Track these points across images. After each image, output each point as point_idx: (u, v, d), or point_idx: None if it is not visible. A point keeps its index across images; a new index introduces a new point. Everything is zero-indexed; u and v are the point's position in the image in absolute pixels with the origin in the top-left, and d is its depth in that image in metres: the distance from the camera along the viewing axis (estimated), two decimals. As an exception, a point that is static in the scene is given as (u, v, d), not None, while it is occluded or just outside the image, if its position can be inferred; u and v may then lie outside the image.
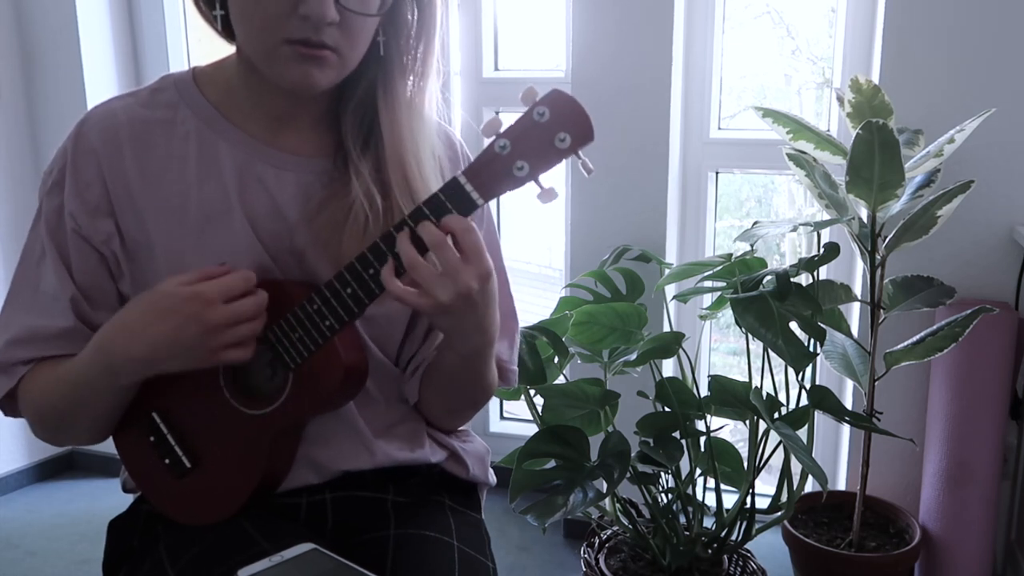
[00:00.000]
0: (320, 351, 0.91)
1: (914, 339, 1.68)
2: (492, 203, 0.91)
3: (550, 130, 0.81)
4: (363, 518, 1.03)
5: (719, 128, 2.21)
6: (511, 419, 2.66)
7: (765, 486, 2.18)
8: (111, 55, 2.55)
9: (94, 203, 0.95)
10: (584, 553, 1.85)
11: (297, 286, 0.95)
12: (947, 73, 1.86)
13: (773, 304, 1.53)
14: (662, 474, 1.72)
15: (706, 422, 1.73)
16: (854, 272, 2.11)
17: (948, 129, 1.67)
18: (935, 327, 1.67)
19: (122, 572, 1.01)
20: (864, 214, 1.71)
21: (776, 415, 1.64)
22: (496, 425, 2.65)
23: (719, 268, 1.72)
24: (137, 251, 0.97)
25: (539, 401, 1.72)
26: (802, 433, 1.65)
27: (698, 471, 1.76)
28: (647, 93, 2.05)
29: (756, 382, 1.70)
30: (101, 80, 2.52)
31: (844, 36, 2.04)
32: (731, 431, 2.41)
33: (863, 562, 1.82)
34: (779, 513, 1.74)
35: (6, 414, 1.02)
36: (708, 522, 1.84)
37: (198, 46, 2.61)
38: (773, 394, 1.68)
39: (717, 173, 2.24)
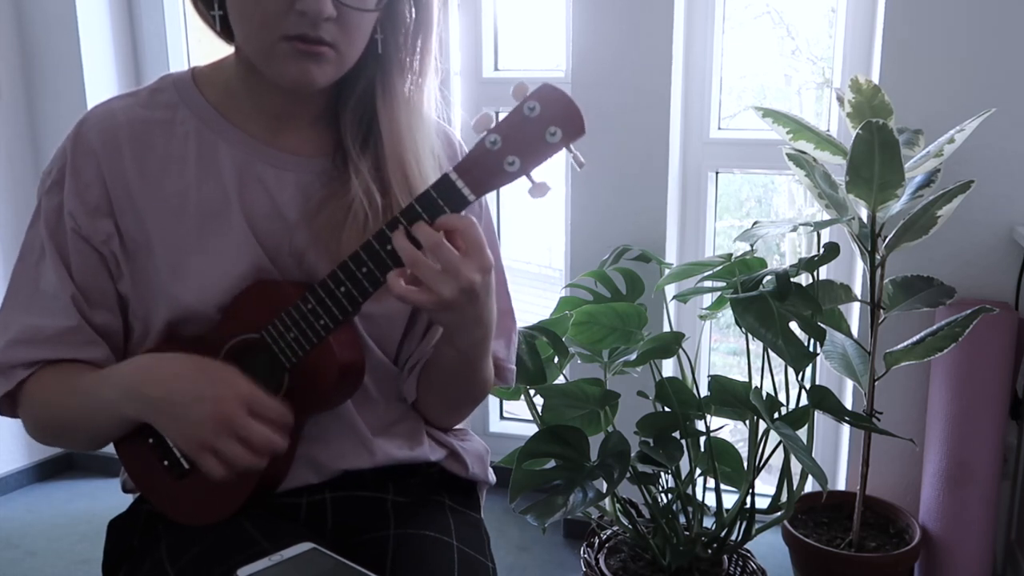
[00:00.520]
0: (315, 350, 0.91)
1: (914, 339, 1.68)
2: (492, 203, 0.91)
3: (541, 124, 0.81)
4: (363, 518, 1.03)
5: (719, 128, 2.21)
6: (511, 419, 2.66)
7: (765, 486, 2.18)
8: (111, 55, 2.55)
9: (94, 203, 0.95)
10: (584, 553, 1.85)
11: (294, 286, 0.95)
12: (947, 73, 1.86)
13: (773, 304, 1.53)
14: (662, 474, 1.72)
15: (706, 422, 1.73)
16: (854, 272, 2.11)
17: (948, 129, 1.67)
18: (935, 327, 1.67)
19: (122, 572, 1.01)
20: (864, 214, 1.71)
21: (776, 415, 1.64)
22: (496, 425, 2.65)
23: (719, 268, 1.72)
24: (136, 251, 0.97)
25: (539, 401, 1.72)
26: (802, 433, 1.65)
27: (698, 471, 1.76)
28: (647, 93, 2.05)
29: (756, 382, 1.70)
30: (101, 80, 2.53)
31: (844, 36, 2.04)
32: (731, 431, 2.41)
33: (863, 562, 1.82)
34: (779, 513, 1.74)
35: (3, 414, 1.01)
36: (708, 522, 1.84)
37: (198, 46, 2.61)
38: (773, 394, 1.68)
39: (717, 173, 2.24)
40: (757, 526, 1.75)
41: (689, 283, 1.84)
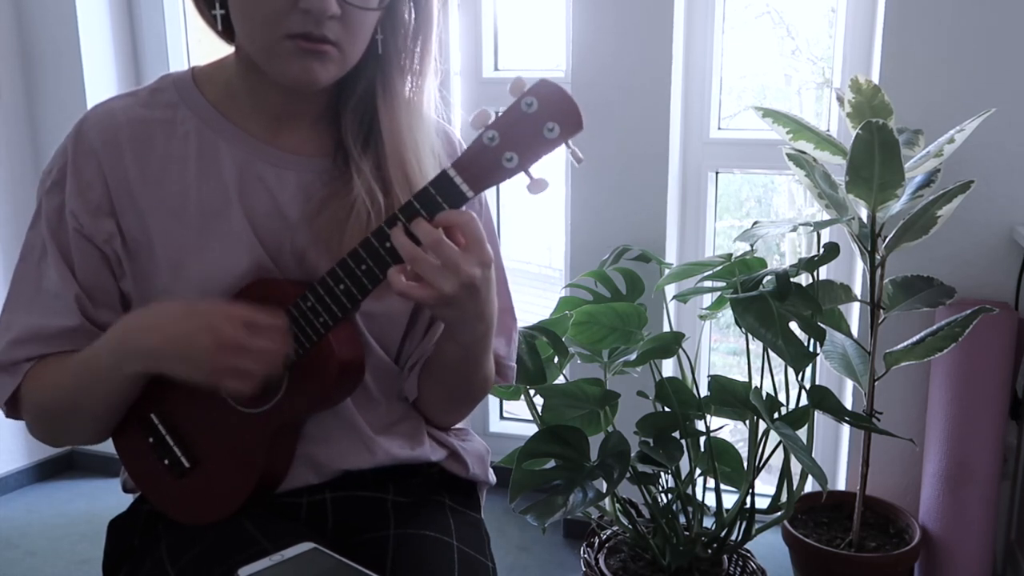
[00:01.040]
0: (315, 348, 0.91)
1: (914, 339, 1.68)
2: (492, 204, 0.91)
3: (539, 120, 0.81)
4: (363, 518, 1.03)
5: (719, 128, 2.21)
6: (511, 419, 2.66)
7: (765, 486, 2.18)
8: (111, 55, 2.55)
9: (95, 203, 0.95)
10: (584, 553, 1.85)
11: (293, 284, 0.95)
12: (947, 73, 1.86)
13: (773, 304, 1.53)
14: (662, 474, 1.72)
15: (706, 422, 1.73)
16: (854, 272, 2.11)
17: (948, 129, 1.67)
18: (935, 327, 1.67)
19: (122, 572, 1.01)
20: (864, 214, 1.71)
21: (776, 415, 1.64)
22: (496, 425, 2.65)
23: (719, 268, 1.72)
24: (138, 250, 0.97)
25: (539, 401, 1.72)
26: (802, 433, 1.65)
27: (698, 471, 1.76)
28: (647, 93, 2.05)
29: (756, 382, 1.70)
30: (101, 80, 2.53)
31: (844, 36, 2.04)
32: (731, 431, 2.41)
33: (863, 562, 1.82)
34: (779, 513, 1.74)
35: (8, 415, 1.01)
36: (708, 522, 1.84)
37: (198, 46, 2.61)
38: (773, 394, 1.68)
39: (717, 173, 2.24)
40: (757, 526, 1.75)
41: (689, 283, 1.84)
